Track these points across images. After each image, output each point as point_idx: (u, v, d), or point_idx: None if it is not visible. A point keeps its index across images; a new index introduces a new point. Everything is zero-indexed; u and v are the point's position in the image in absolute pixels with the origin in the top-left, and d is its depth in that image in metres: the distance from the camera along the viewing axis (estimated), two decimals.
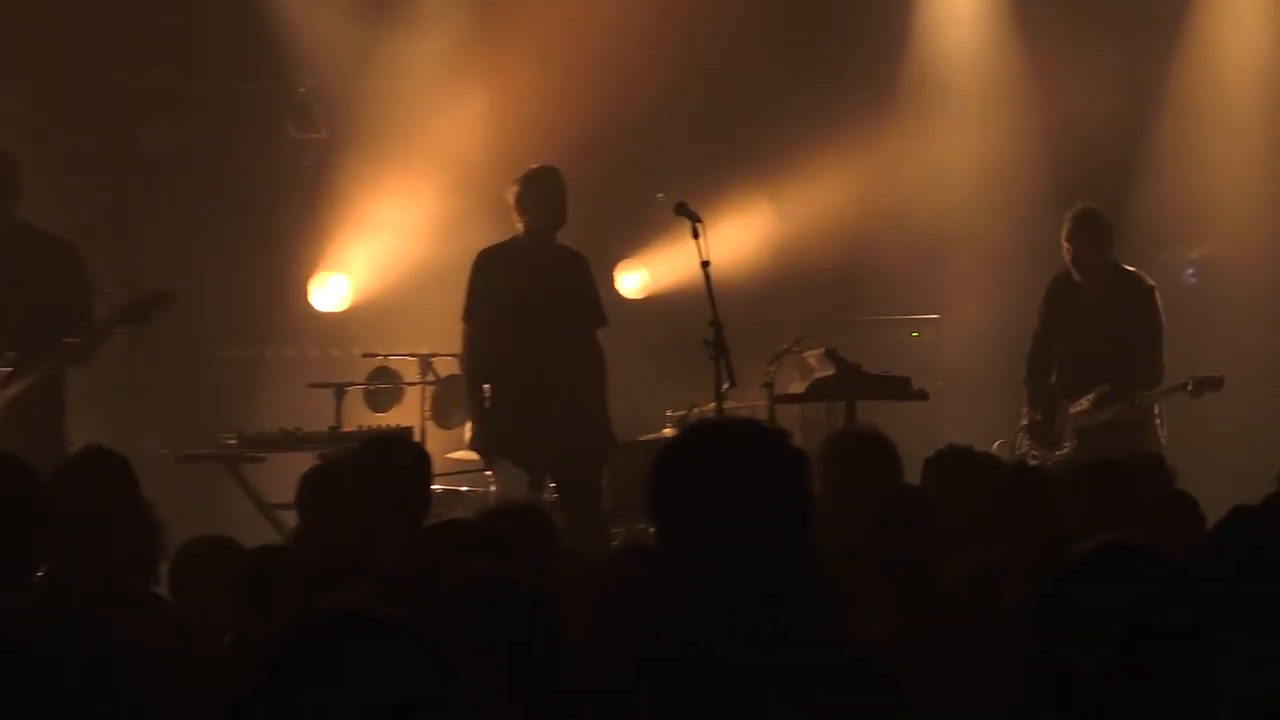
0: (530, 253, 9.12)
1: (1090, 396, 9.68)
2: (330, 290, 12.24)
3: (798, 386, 9.56)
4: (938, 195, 13.03)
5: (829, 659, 3.07)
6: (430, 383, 10.52)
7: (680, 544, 3.12)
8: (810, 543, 3.15)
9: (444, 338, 10.07)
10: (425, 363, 10.54)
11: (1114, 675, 2.82)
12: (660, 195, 12.71)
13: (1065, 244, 9.75)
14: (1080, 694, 2.84)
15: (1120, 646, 2.83)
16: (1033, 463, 9.81)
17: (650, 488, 3.15)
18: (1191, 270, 13.24)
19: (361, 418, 10.41)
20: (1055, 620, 2.90)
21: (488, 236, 9.61)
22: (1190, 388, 9.50)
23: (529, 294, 9.05)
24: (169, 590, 5.34)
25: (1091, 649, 2.83)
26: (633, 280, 13.02)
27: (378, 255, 12.19)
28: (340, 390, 10.23)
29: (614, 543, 8.56)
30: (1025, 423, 10.05)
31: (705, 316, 8.26)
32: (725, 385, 8.23)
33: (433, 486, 6.80)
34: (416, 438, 9.60)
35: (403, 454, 5.91)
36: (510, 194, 9.18)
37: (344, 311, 12.29)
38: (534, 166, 9.26)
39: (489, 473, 9.51)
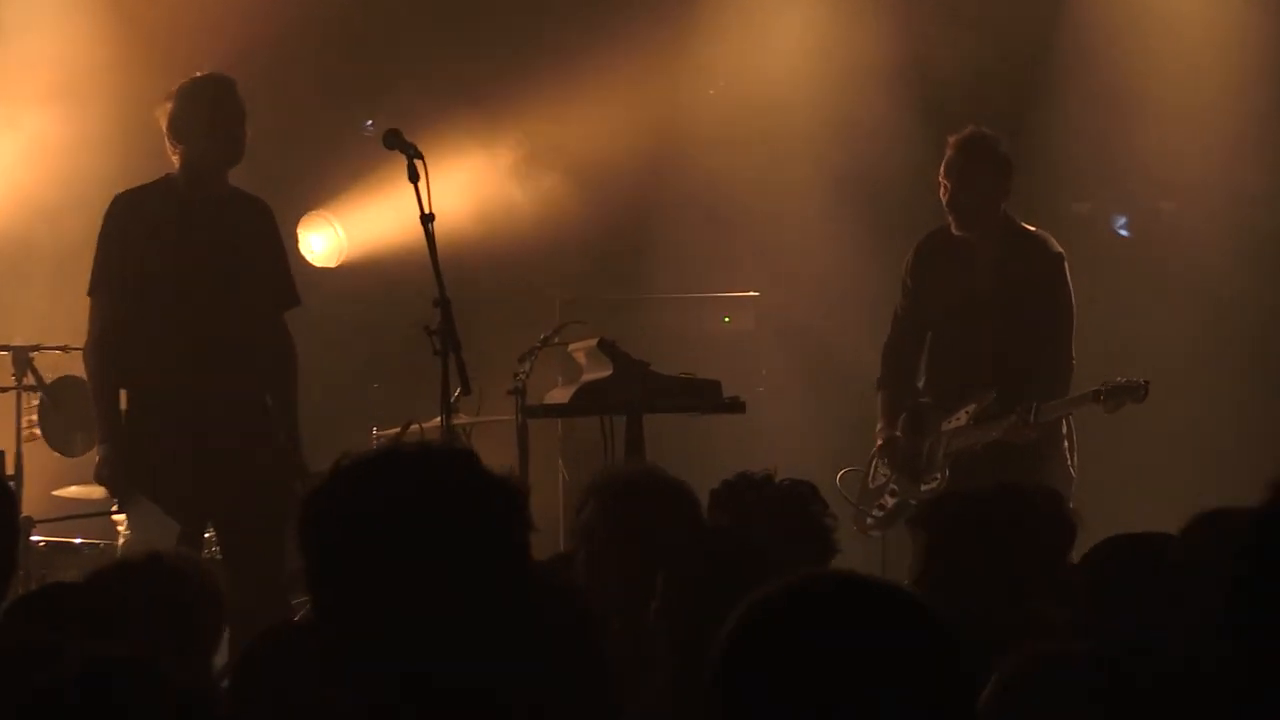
0: (191, 200, 8.93)
1: (970, 408, 9.71)
2: None
3: (561, 394, 9.45)
4: (759, 125, 13.08)
5: None
6: (32, 388, 10.35)
7: (329, 616, 3.28)
8: (522, 609, 3.28)
9: (56, 322, 10.09)
10: (24, 358, 10.35)
11: None
12: (369, 123, 12.68)
13: (942, 180, 9.76)
14: None
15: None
16: (891, 500, 9.86)
17: (300, 544, 3.30)
18: (1123, 222, 13.41)
19: None
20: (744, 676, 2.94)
21: (125, 176, 9.42)
22: (1103, 398, 9.44)
23: (189, 259, 8.86)
24: None
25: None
26: (322, 241, 12.88)
27: None
28: None
29: (298, 617, 8.41)
30: (881, 442, 10.06)
31: (428, 294, 8.13)
32: (456, 392, 8.17)
33: (32, 537, 6.58)
34: (8, 468, 9.53)
35: None
36: (161, 113, 8.97)
37: None
38: (197, 74, 9.09)
39: (120, 517, 9.40)
